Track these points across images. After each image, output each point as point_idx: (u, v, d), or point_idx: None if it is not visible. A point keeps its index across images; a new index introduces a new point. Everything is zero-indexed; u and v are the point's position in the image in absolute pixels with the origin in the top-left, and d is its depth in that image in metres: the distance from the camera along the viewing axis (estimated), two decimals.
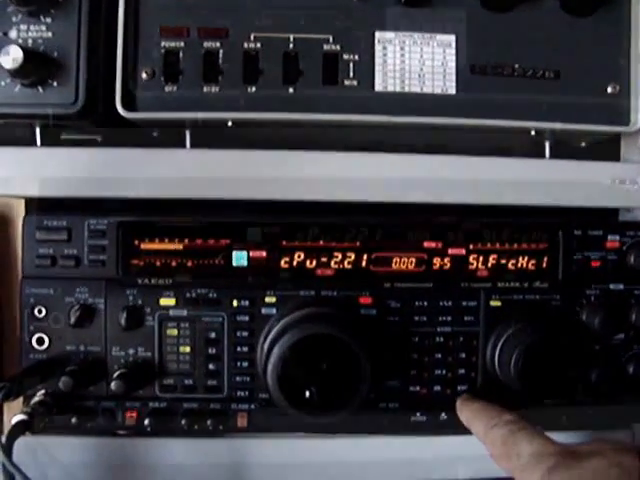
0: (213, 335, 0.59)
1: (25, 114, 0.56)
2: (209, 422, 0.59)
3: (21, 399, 0.57)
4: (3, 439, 0.52)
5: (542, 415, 0.60)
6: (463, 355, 0.60)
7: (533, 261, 0.61)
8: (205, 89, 0.56)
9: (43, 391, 0.58)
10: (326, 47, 0.57)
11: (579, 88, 0.59)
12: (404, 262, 0.60)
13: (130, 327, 0.58)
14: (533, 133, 0.60)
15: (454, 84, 0.58)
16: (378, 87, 0.57)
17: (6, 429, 0.53)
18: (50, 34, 0.55)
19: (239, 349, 0.59)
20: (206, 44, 0.56)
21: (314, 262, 0.59)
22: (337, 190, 0.58)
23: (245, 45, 0.56)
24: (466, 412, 0.57)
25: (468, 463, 0.62)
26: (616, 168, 0.60)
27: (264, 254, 0.59)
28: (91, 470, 0.60)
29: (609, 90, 0.59)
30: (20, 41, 0.54)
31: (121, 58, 0.55)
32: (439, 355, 0.60)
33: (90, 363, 0.58)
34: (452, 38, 0.58)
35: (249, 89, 0.56)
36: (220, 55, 0.56)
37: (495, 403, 0.56)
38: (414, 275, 0.60)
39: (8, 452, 0.51)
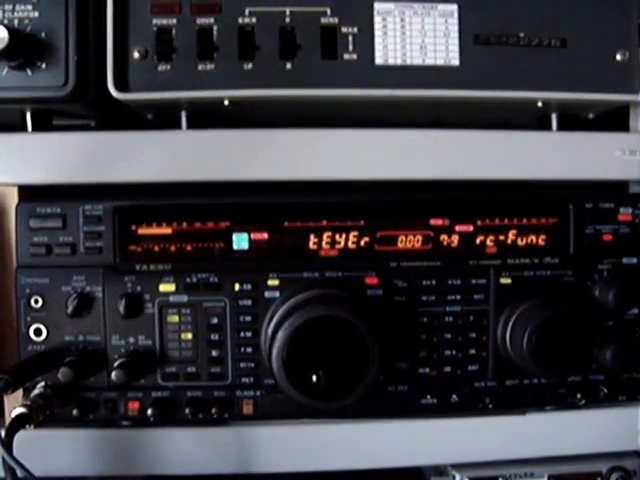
0: (215, 321, 0.58)
1: (14, 98, 0.54)
2: (214, 410, 0.58)
3: (21, 392, 0.56)
4: (3, 433, 0.51)
5: (555, 392, 0.59)
6: (473, 335, 0.59)
7: (543, 236, 0.59)
8: (200, 67, 0.55)
9: (43, 383, 0.57)
10: (324, 20, 0.55)
11: (587, 56, 0.57)
12: (410, 240, 0.58)
13: (129, 315, 0.57)
14: (540, 105, 0.59)
15: (457, 55, 0.56)
16: (378, 60, 0.56)
17: (6, 423, 0.52)
18: (37, 13, 0.53)
19: (242, 334, 0.58)
20: (199, 20, 0.54)
21: (317, 243, 0.58)
22: (338, 168, 0.56)
23: (240, 20, 0.55)
24: None
25: (480, 446, 0.61)
26: (625, 139, 0.59)
27: (266, 236, 0.58)
28: (93, 463, 0.58)
29: (618, 57, 0.57)
30: (5, 21, 0.52)
31: (112, 37, 0.54)
32: (448, 335, 0.59)
33: (90, 353, 0.57)
34: (454, 7, 0.56)
35: (245, 66, 0.55)
36: (214, 31, 0.54)
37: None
38: (421, 253, 0.59)
39: (8, 446, 0.50)
